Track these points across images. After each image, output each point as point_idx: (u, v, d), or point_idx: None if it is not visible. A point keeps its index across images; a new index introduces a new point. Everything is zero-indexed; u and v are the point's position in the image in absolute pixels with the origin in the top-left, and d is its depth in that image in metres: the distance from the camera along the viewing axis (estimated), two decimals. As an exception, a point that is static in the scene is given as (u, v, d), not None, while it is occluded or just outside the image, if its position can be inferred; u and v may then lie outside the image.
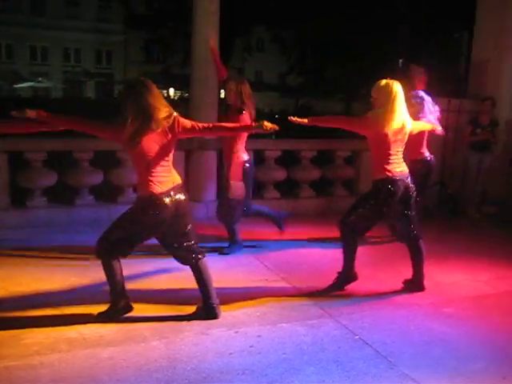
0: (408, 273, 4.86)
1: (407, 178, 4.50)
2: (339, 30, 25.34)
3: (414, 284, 4.73)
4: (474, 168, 7.82)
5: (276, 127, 3.79)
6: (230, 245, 5.64)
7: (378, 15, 23.13)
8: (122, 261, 3.87)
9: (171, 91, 45.97)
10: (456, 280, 5.16)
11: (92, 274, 4.76)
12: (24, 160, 6.45)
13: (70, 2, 44.37)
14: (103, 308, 3.96)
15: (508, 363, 3.54)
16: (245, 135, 5.37)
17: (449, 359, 3.56)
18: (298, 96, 35.97)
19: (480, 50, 8.58)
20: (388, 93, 4.36)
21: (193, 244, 3.92)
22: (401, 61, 29.74)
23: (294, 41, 30.69)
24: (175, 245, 3.89)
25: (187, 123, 3.78)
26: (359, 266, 5.34)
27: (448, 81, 8.06)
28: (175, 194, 3.75)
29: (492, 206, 8.15)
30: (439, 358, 3.56)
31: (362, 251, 5.47)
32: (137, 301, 4.19)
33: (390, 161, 4.41)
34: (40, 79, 40.01)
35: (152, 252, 5.03)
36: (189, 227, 3.89)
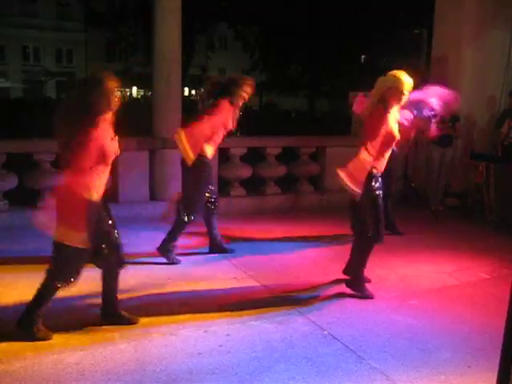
0: (374, 266, 4.93)
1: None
2: (301, 26, 25.50)
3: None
4: (436, 162, 7.96)
5: None
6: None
7: (340, 11, 23.37)
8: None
9: (134, 90, 45.52)
10: (420, 272, 5.25)
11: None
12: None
13: (27, -1, 43.39)
14: (66, 312, 3.90)
15: (472, 353, 3.61)
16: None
17: (415, 350, 3.62)
18: (262, 93, 36.07)
19: (439, 47, 8.74)
20: None
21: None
22: (363, 57, 30.14)
23: (255, 38, 30.78)
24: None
25: None
26: (327, 261, 5.42)
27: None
28: None
29: (454, 199, 8.33)
30: (406, 350, 3.62)
31: (329, 246, 5.55)
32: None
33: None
34: (-2, 79, 39.08)
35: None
36: None
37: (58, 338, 3.61)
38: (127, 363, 3.34)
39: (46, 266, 3.61)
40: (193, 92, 40.81)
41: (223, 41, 44.81)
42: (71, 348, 3.50)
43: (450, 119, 7.85)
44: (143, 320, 3.93)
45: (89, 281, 4.05)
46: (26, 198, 6.59)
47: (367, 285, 4.63)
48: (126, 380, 3.15)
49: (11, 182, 6.41)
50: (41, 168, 6.57)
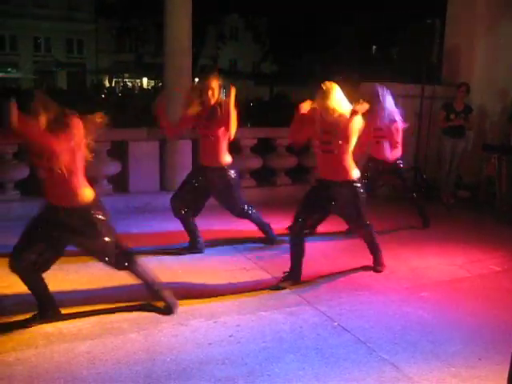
0: (385, 258, 4.92)
1: None
2: (312, 17, 25.34)
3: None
4: (447, 154, 7.91)
5: None
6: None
7: (352, 2, 23.19)
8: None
9: (144, 80, 45.52)
10: (431, 264, 5.22)
11: (65, 267, 4.72)
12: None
13: (38, -11, 43.44)
14: (80, 299, 3.93)
15: (483, 345, 3.60)
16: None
17: (426, 343, 3.61)
18: (273, 84, 35.95)
19: (452, 37, 8.66)
20: None
21: None
22: (374, 47, 29.91)
23: (267, 28, 30.63)
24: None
25: None
26: (336, 253, 5.41)
27: (421, 67, 8.10)
28: None
29: (466, 191, 8.27)
30: (416, 342, 3.61)
31: (339, 238, 5.53)
32: (113, 293, 4.18)
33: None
34: (10, 69, 39.20)
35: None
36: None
37: (68, 327, 3.64)
38: (137, 352, 3.36)
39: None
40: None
41: (234, 31, 44.65)
42: (82, 337, 3.53)
43: (462, 110, 7.79)
44: (152, 310, 3.94)
45: (100, 273, 4.10)
46: (37, 187, 6.61)
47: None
48: (135, 369, 3.17)
49: (22, 172, 6.44)
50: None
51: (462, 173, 8.25)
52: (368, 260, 5.10)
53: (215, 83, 4.94)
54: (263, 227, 5.57)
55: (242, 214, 5.38)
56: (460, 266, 5.19)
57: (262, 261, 5.11)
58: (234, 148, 7.25)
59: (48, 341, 3.47)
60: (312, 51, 29.89)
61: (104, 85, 41.40)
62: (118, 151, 6.98)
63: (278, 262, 5.01)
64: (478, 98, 8.38)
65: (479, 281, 4.85)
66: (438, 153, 8.09)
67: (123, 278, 4.44)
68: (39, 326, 3.64)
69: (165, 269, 4.78)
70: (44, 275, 3.69)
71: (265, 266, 4.98)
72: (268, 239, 5.58)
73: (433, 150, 8.20)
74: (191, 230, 5.26)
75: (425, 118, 8.00)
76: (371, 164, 6.10)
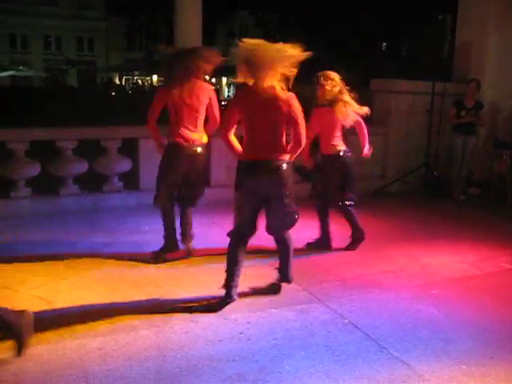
0: (396, 255, 4.90)
1: None
2: (322, 14, 25.27)
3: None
4: (458, 150, 7.86)
5: None
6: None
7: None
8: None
9: (154, 78, 45.60)
10: (442, 262, 5.20)
11: (80, 264, 4.76)
12: (7, 151, 6.36)
13: (49, -12, 43.63)
14: (92, 296, 3.95)
15: (494, 343, 3.57)
16: None
17: (437, 340, 3.59)
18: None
19: (464, 33, 8.60)
20: None
21: None
22: (384, 44, 29.76)
23: (277, 24, 30.57)
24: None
25: None
26: (346, 251, 5.40)
27: (432, 64, 8.06)
28: None
29: (477, 188, 8.23)
30: (427, 340, 3.59)
31: (349, 235, 5.51)
32: (124, 291, 4.20)
33: None
34: (21, 68, 39.40)
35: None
36: None
37: (80, 324, 3.66)
38: (148, 349, 3.37)
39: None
40: (213, 80, 40.75)
41: (243, 29, 44.66)
42: (93, 333, 3.55)
43: (473, 106, 7.74)
44: (164, 307, 3.96)
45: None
46: (49, 184, 6.68)
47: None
48: (146, 366, 3.18)
49: (34, 169, 6.48)
50: (63, 155, 6.63)
51: (473, 170, 8.20)
52: (379, 257, 5.10)
53: None
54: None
55: None
56: (471, 264, 5.17)
57: (271, 258, 5.10)
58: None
59: (60, 337, 3.49)
60: (322, 46, 29.78)
61: (114, 82, 41.58)
62: (129, 148, 7.01)
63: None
64: (490, 94, 8.32)
65: (490, 278, 4.82)
66: (449, 150, 8.05)
67: (136, 278, 4.48)
68: (49, 322, 3.67)
69: (175, 266, 4.80)
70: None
71: (274, 263, 4.96)
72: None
73: (443, 147, 8.17)
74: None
75: (436, 115, 7.96)
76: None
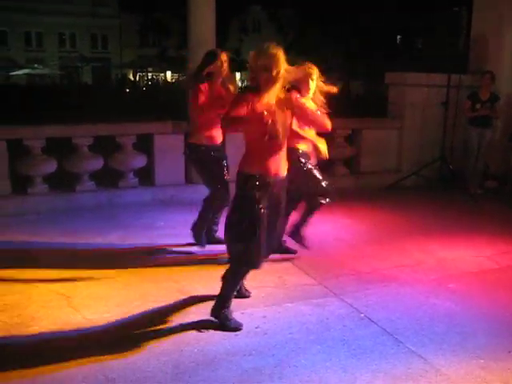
0: (412, 249, 4.87)
1: None
2: (337, 6, 25.13)
3: None
4: (474, 144, 7.79)
5: None
6: None
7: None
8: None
9: (168, 74, 45.74)
10: (459, 256, 5.17)
11: (96, 259, 4.80)
12: (23, 147, 6.42)
13: (63, -13, 43.87)
14: (109, 290, 4.00)
15: (511, 338, 3.56)
16: None
17: (453, 335, 3.58)
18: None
19: (480, 24, 8.50)
20: None
21: None
22: (399, 37, 29.53)
23: (291, 19, 30.46)
24: None
25: None
26: (363, 243, 5.39)
27: (447, 56, 7.98)
28: None
29: (493, 181, 8.15)
30: (444, 334, 3.58)
31: (365, 229, 5.51)
32: (140, 286, 4.23)
33: None
34: (36, 66, 39.75)
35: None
36: None
37: (96, 317, 3.70)
38: (165, 343, 3.39)
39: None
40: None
41: (256, 24, 44.56)
42: (111, 328, 3.58)
43: (488, 99, 7.65)
44: (180, 302, 3.98)
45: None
46: (65, 181, 6.74)
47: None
48: (163, 360, 3.20)
49: (51, 166, 6.54)
50: (79, 152, 6.68)
51: (489, 163, 8.12)
52: (396, 250, 5.08)
53: None
54: None
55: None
56: (488, 258, 5.13)
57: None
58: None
59: (77, 332, 3.53)
60: (337, 42, 29.66)
61: (128, 79, 41.76)
62: (144, 145, 7.05)
63: (302, 252, 5.01)
64: (506, 87, 8.23)
65: (507, 272, 4.79)
66: (465, 143, 7.97)
67: (151, 273, 4.51)
68: (67, 315, 3.71)
69: (192, 260, 4.83)
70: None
71: (289, 257, 4.97)
72: None
73: (459, 140, 8.10)
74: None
75: (451, 108, 7.89)
76: None
